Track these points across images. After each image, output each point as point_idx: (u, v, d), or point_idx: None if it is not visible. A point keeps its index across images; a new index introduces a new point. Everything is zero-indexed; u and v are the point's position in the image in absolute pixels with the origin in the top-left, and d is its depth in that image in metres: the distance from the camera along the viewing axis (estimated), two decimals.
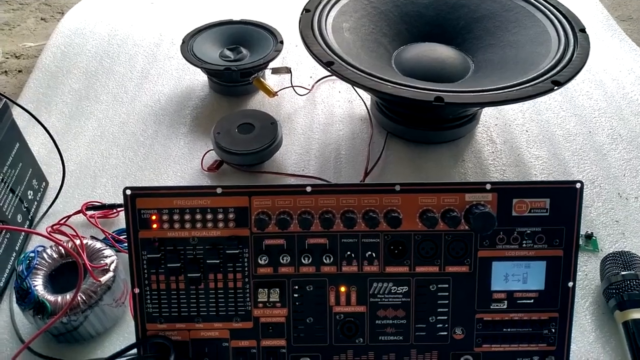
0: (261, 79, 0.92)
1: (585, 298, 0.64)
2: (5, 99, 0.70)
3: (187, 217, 0.53)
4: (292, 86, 0.94)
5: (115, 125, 0.91)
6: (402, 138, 0.86)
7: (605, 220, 0.73)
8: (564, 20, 0.80)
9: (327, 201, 0.53)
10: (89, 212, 0.74)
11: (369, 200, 0.53)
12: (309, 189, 0.53)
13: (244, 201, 0.53)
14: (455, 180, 0.80)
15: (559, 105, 0.93)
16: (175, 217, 0.53)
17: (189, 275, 0.53)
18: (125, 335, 0.62)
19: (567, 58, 0.73)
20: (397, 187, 0.52)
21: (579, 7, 1.11)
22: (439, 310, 0.54)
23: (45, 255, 0.62)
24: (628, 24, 1.24)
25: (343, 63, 0.73)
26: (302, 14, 0.82)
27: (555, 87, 0.68)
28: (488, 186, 0.52)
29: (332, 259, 0.53)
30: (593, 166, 0.81)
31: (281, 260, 0.54)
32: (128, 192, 0.53)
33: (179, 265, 0.53)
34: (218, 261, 0.53)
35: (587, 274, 0.67)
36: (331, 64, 0.72)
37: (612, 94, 0.96)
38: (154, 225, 0.53)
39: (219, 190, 0.53)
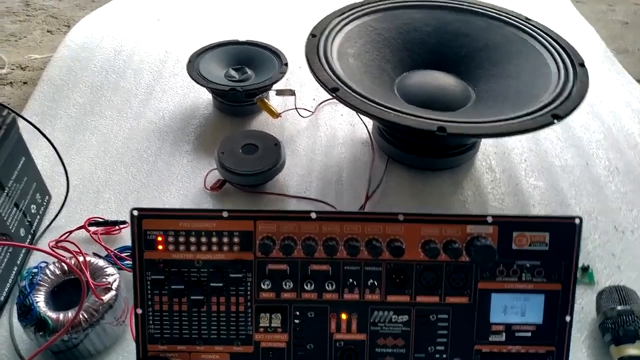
0: (265, 100, 0.94)
1: (581, 331, 0.65)
2: (13, 114, 0.71)
3: (192, 239, 0.53)
4: (296, 108, 0.95)
5: (119, 140, 0.92)
6: (403, 163, 0.87)
7: (602, 253, 0.74)
8: (563, 54, 0.82)
9: (331, 228, 0.53)
10: (92, 228, 0.74)
11: (372, 229, 0.53)
12: (313, 215, 0.53)
13: (249, 225, 0.54)
14: (455, 207, 0.81)
15: (557, 136, 0.95)
16: (181, 239, 0.53)
17: (192, 297, 0.54)
18: (124, 354, 0.62)
19: (567, 92, 0.74)
20: (401, 217, 0.53)
21: (577, 39, 1.14)
22: (438, 340, 0.55)
23: (48, 272, 0.62)
24: (624, 56, 1.27)
25: (347, 89, 0.74)
26: (308, 38, 0.83)
27: (555, 121, 0.69)
28: (489, 219, 0.53)
29: (334, 285, 0.54)
30: (590, 198, 0.83)
31: (284, 286, 0.54)
32: (135, 212, 0.53)
33: (182, 287, 0.54)
34: (221, 284, 0.54)
35: (583, 307, 0.68)
36: (336, 90, 0.73)
37: (609, 126, 0.98)
38: (160, 247, 0.53)
39: (225, 214, 0.53)
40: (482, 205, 0.81)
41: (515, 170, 0.88)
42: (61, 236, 0.73)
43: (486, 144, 0.92)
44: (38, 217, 0.76)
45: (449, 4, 0.93)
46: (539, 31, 0.87)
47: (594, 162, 0.90)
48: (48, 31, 1.31)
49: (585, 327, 0.65)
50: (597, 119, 0.99)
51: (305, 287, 0.54)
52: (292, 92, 0.94)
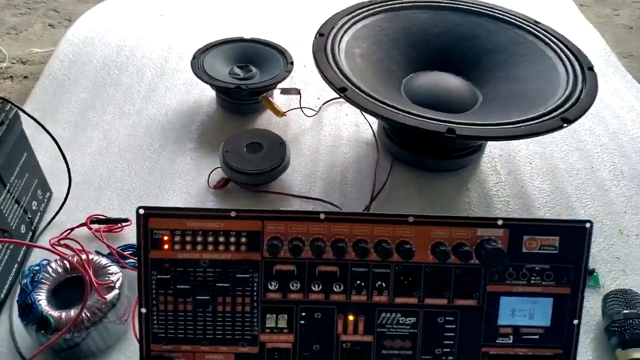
0: (270, 99, 0.93)
1: (587, 334, 0.65)
2: (16, 109, 0.70)
3: (199, 239, 0.53)
4: (301, 107, 0.95)
5: (121, 137, 0.91)
6: (408, 164, 0.86)
7: (607, 256, 0.74)
8: (572, 58, 0.82)
9: (340, 229, 0.53)
10: (94, 226, 0.73)
11: (381, 230, 0.53)
12: (322, 216, 0.53)
13: (257, 225, 0.53)
14: (460, 209, 0.80)
15: (562, 139, 0.94)
16: (188, 238, 0.53)
17: (197, 297, 0.53)
18: (127, 353, 0.61)
19: (575, 96, 0.74)
20: (411, 219, 0.53)
21: (581, 42, 1.13)
22: (445, 342, 0.54)
23: (49, 269, 0.61)
24: (629, 60, 1.26)
25: (355, 89, 0.73)
26: (315, 38, 0.82)
27: (564, 125, 0.69)
28: (500, 222, 0.53)
29: (342, 287, 0.53)
30: (595, 202, 0.83)
31: (291, 287, 0.53)
32: (141, 211, 0.52)
33: (188, 287, 0.53)
34: (228, 285, 0.53)
35: (589, 310, 0.67)
36: (344, 90, 0.73)
37: (614, 130, 0.97)
38: (165, 246, 0.53)
39: (232, 214, 0.53)
40: (487, 207, 0.81)
41: (520, 173, 0.87)
42: (62, 233, 0.72)
43: (492, 147, 0.91)
44: (39, 213, 0.75)
45: (457, 6, 0.93)
46: (547, 34, 0.86)
47: (599, 165, 0.89)
48: (49, 25, 1.29)
49: (591, 330, 0.65)
50: (602, 123, 0.99)
51: (312, 288, 0.53)
52: (297, 92, 0.93)
